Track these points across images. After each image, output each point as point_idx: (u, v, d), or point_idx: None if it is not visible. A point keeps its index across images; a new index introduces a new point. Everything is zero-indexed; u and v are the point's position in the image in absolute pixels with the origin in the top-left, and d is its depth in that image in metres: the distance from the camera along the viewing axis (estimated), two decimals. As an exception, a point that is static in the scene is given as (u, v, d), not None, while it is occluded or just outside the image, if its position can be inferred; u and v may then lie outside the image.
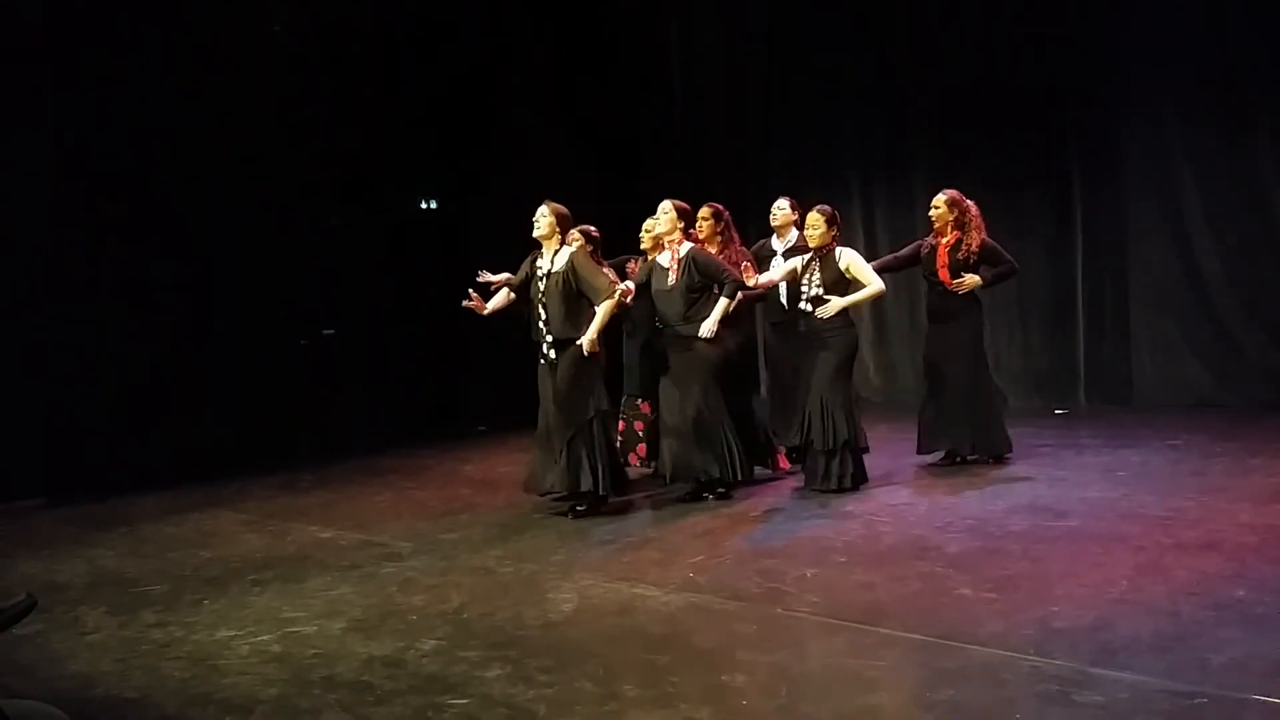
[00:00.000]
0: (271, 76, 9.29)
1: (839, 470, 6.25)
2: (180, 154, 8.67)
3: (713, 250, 6.43)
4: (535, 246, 6.13)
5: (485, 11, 10.50)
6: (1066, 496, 5.81)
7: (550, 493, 6.13)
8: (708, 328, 6.07)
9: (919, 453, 6.86)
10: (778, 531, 5.52)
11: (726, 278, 6.15)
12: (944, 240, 6.72)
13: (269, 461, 8.65)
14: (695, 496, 6.29)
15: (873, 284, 6.25)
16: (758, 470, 6.68)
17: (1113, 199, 9.23)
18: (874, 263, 6.71)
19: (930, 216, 6.80)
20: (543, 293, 5.99)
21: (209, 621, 4.58)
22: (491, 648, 3.97)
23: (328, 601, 4.76)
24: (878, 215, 10.62)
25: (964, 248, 6.64)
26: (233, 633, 4.39)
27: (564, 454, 5.95)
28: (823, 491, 6.22)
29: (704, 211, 6.54)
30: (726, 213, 6.63)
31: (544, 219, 6.02)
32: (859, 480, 6.32)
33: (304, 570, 5.34)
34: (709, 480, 6.25)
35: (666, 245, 6.31)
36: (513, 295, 6.21)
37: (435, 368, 10.14)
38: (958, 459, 6.82)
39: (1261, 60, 8.34)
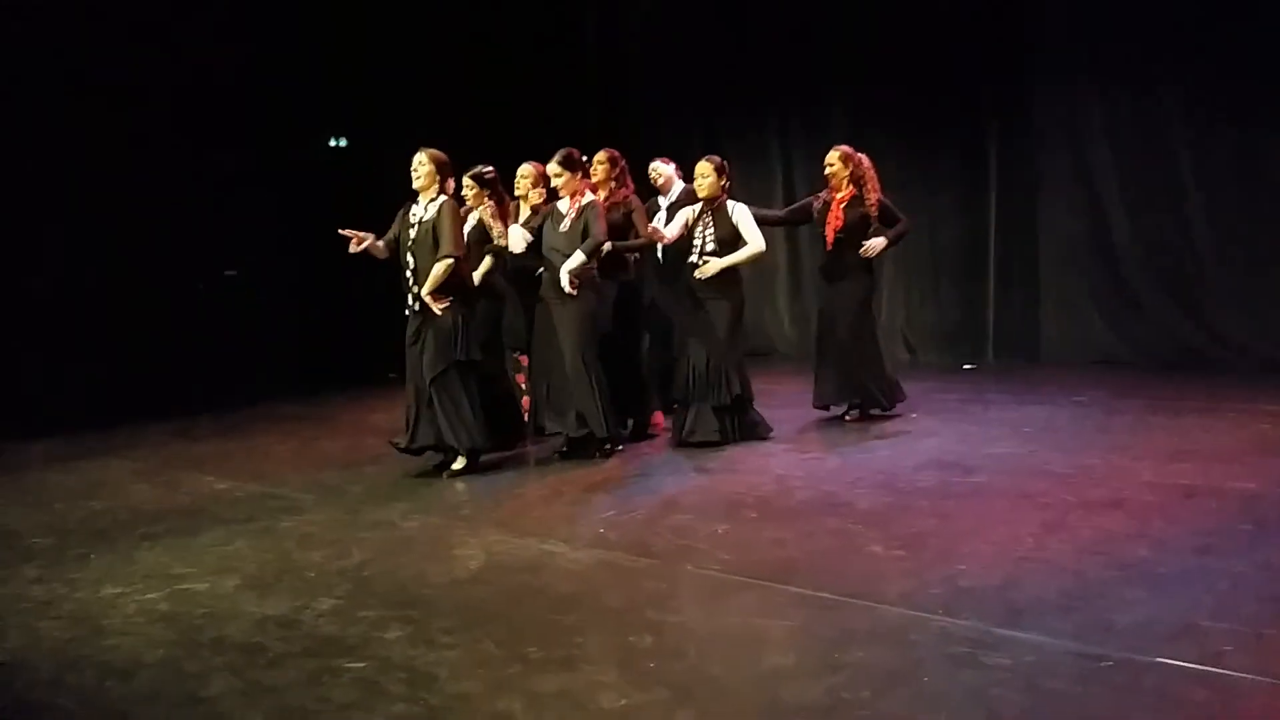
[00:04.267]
0: (174, 9, 8.83)
1: (731, 424, 6.27)
2: (79, 90, 8.26)
3: (603, 194, 6.34)
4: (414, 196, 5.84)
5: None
6: (974, 453, 5.85)
7: (422, 448, 5.90)
8: (565, 283, 5.82)
9: (814, 405, 6.90)
10: (690, 487, 5.46)
11: (594, 234, 5.94)
12: (839, 196, 6.64)
13: (164, 407, 8.34)
14: (573, 454, 6.14)
15: (753, 243, 6.21)
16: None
17: (1025, 157, 9.32)
18: (761, 215, 6.62)
19: (825, 174, 6.71)
20: (412, 241, 5.72)
21: (94, 578, 4.37)
22: (392, 607, 3.83)
23: (221, 557, 4.57)
24: (796, 172, 10.57)
25: (865, 204, 6.58)
26: (119, 590, 4.19)
27: (427, 407, 5.76)
28: (705, 444, 6.18)
29: (600, 156, 6.48)
30: (623, 160, 6.57)
31: (423, 168, 5.73)
32: (764, 431, 6.39)
33: (197, 524, 5.13)
34: (582, 437, 6.08)
35: (569, 197, 6.08)
36: (386, 253, 5.88)
37: (344, 312, 9.84)
38: (846, 414, 6.84)
39: (1175, 22, 8.40)
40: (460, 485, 5.74)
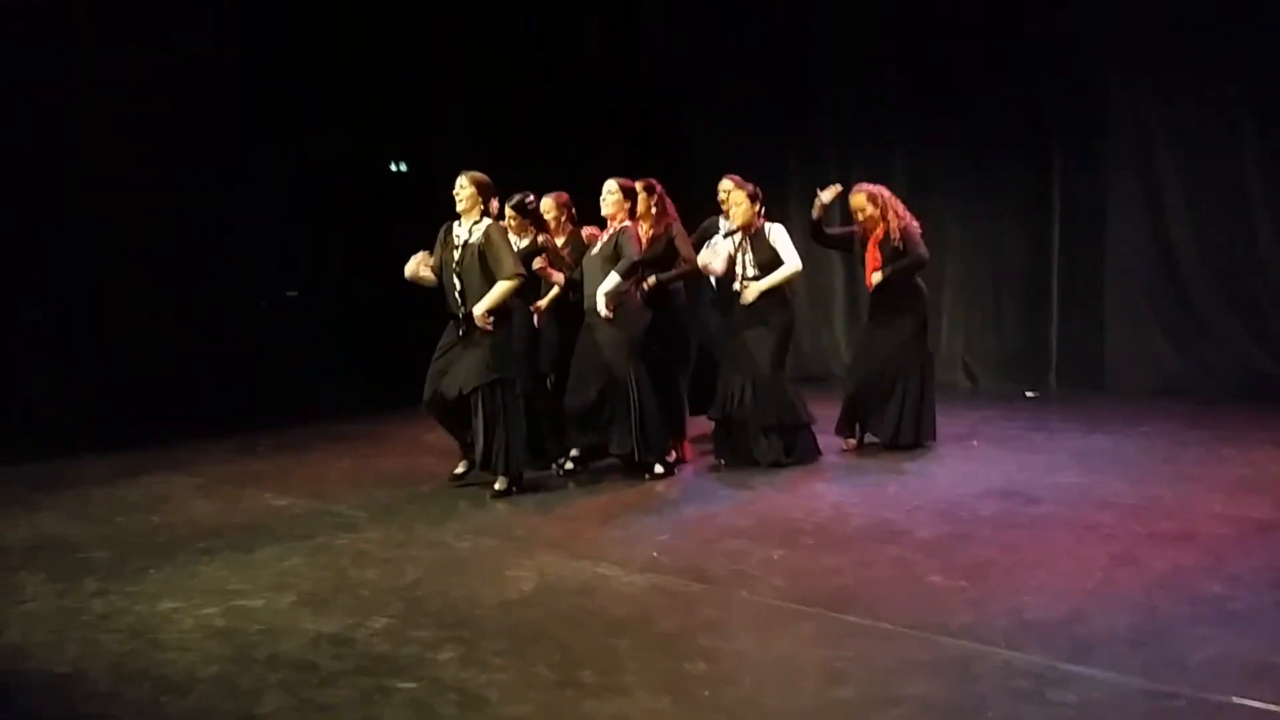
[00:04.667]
0: (240, 31, 9.01)
1: (779, 445, 6.20)
2: (137, 109, 8.40)
3: (645, 225, 6.36)
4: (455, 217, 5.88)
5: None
6: (1038, 481, 5.72)
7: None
8: (600, 306, 5.90)
9: (836, 433, 6.72)
10: (745, 511, 5.38)
11: (628, 255, 5.95)
12: (874, 236, 6.54)
13: (227, 424, 8.44)
14: (576, 471, 6.18)
15: (789, 263, 6.16)
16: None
17: (1091, 179, 9.14)
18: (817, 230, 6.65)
19: (857, 219, 6.61)
20: (457, 263, 5.74)
21: (152, 591, 4.40)
22: (445, 627, 3.82)
23: (277, 573, 4.59)
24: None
25: (892, 237, 6.47)
26: (176, 604, 4.21)
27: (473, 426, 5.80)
28: (751, 466, 6.17)
29: (636, 185, 6.40)
30: (659, 187, 6.54)
31: (464, 190, 5.76)
32: (811, 455, 6.31)
33: (255, 539, 5.16)
34: (630, 458, 6.03)
35: (609, 222, 6.15)
36: (435, 279, 5.88)
37: (401, 332, 9.91)
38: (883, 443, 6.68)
39: (1245, 40, 8.23)
40: (501, 506, 5.71)
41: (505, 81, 10.32)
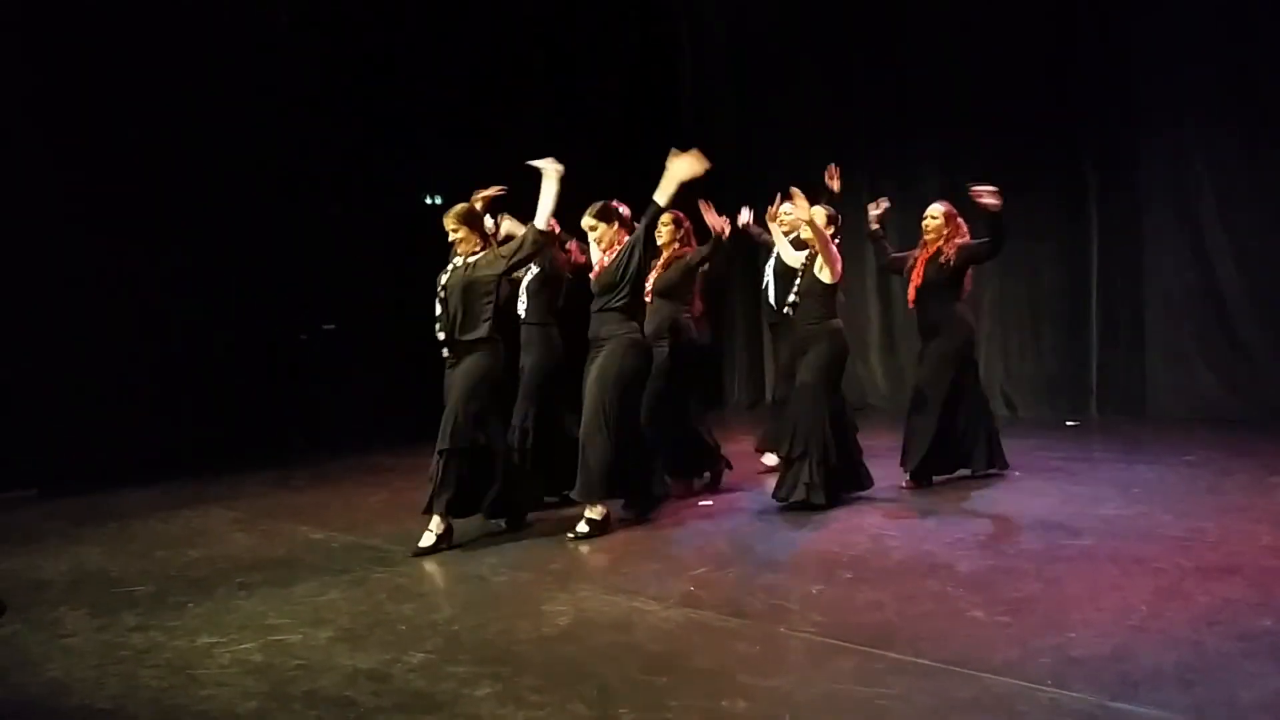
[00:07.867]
0: (275, 68, 9.15)
1: (791, 481, 5.96)
2: (179, 146, 8.54)
3: (666, 255, 6.48)
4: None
5: (493, 5, 10.32)
6: (1081, 513, 5.63)
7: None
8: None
9: (901, 464, 6.54)
10: (782, 544, 5.34)
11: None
12: (925, 253, 6.51)
13: (264, 457, 8.51)
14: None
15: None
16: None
17: (1129, 205, 9.08)
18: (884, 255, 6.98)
19: (925, 226, 6.55)
20: (444, 287, 5.79)
21: (191, 626, 4.42)
22: (482, 663, 3.80)
23: (315, 608, 4.59)
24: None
25: (942, 256, 6.42)
26: (214, 639, 4.22)
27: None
28: (783, 501, 5.98)
29: (665, 217, 6.23)
30: (686, 221, 6.54)
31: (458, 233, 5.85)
32: (818, 502, 5.87)
33: (293, 573, 5.18)
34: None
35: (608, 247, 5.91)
36: None
37: (436, 364, 9.96)
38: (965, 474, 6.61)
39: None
40: (537, 539, 5.69)
41: (536, 113, 10.39)
